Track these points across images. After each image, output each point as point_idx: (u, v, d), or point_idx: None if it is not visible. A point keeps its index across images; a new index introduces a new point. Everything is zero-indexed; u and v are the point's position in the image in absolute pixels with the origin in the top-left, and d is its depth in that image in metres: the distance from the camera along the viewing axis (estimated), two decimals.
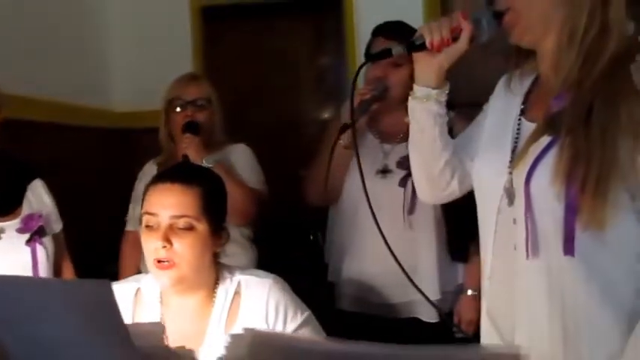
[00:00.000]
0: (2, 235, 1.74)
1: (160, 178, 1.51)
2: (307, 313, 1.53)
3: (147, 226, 1.45)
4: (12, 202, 1.80)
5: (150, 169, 2.25)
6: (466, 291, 2.02)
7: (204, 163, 2.05)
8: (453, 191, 1.35)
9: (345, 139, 1.99)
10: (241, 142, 2.32)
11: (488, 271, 1.23)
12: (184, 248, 1.42)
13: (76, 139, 2.84)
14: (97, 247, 2.48)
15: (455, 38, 1.20)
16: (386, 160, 2.01)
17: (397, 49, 1.21)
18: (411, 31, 2.03)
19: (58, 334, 0.67)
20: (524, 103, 1.24)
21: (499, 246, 1.20)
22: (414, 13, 3.20)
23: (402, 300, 1.98)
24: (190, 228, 1.44)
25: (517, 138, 1.20)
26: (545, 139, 1.12)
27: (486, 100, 1.36)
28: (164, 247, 1.40)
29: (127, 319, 1.48)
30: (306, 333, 1.49)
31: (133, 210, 2.29)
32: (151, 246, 1.43)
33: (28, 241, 1.77)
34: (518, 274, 1.15)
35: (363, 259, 2.00)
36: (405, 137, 2.03)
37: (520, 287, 1.15)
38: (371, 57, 1.90)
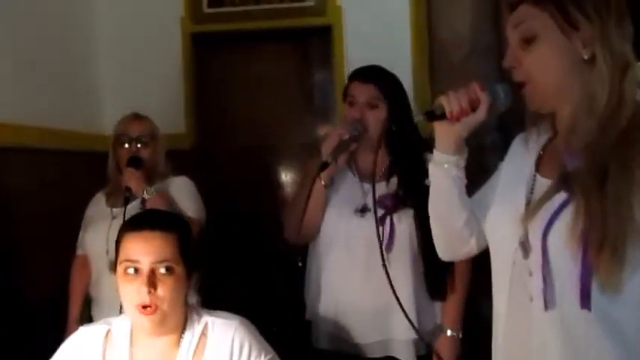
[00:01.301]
0: None
1: (135, 226, 1.53)
2: (271, 354, 1.55)
3: (127, 274, 1.47)
4: None
5: (99, 199, 2.43)
6: (445, 331, 2.01)
7: (145, 194, 2.21)
8: (471, 249, 1.38)
9: (325, 178, 2.00)
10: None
11: (503, 324, 1.23)
12: (166, 292, 1.46)
13: (66, 163, 2.87)
14: None
15: (473, 109, 1.23)
16: (365, 199, 2.00)
17: (418, 117, 1.29)
18: (384, 74, 2.05)
19: None
20: (539, 159, 1.26)
21: (514, 298, 1.21)
22: (401, 39, 3.23)
23: (378, 339, 1.97)
24: (170, 272, 1.48)
25: (531, 193, 1.22)
26: (559, 197, 1.13)
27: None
28: (149, 292, 1.44)
29: (98, 358, 1.52)
30: None
31: (82, 235, 2.43)
32: (134, 291, 1.45)
33: None
34: (533, 325, 1.16)
35: (339, 298, 1.99)
36: (383, 176, 2.04)
37: (535, 338, 1.16)
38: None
